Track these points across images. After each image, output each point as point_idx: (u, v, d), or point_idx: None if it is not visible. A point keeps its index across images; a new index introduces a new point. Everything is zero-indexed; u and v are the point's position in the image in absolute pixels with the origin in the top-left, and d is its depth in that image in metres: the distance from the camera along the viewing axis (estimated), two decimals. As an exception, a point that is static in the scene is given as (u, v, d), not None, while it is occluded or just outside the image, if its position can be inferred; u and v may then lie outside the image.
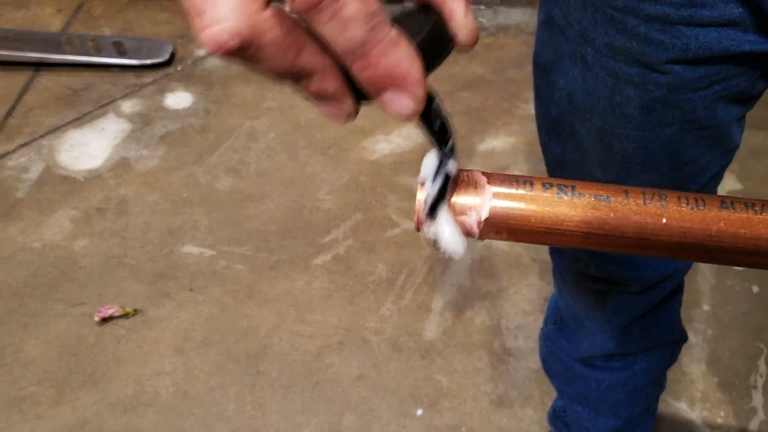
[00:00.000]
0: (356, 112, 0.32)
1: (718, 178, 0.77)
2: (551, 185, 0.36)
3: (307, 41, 0.28)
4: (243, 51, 0.27)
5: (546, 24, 0.72)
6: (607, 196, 0.36)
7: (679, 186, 0.72)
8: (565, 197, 0.36)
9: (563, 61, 0.70)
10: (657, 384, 1.14)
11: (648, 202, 0.35)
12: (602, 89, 0.66)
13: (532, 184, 0.36)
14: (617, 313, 0.95)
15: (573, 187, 0.36)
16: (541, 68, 0.75)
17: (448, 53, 0.33)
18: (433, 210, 0.36)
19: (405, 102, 0.30)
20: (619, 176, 0.72)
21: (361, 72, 0.29)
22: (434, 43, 0.32)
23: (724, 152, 0.72)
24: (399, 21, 0.31)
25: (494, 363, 1.49)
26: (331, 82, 0.30)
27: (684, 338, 1.08)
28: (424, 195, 0.36)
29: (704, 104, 0.64)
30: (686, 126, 0.66)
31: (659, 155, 0.69)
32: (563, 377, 1.16)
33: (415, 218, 0.36)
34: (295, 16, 0.28)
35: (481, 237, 0.37)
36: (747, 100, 0.67)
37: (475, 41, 0.33)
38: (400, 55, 0.29)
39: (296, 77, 0.29)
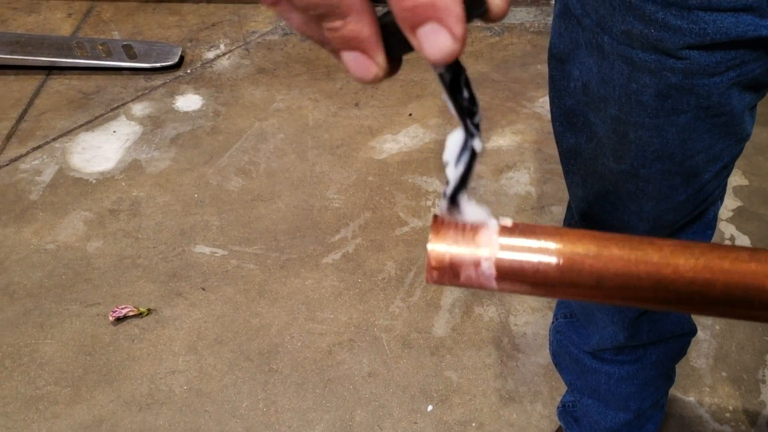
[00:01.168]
0: (384, 72, 0.30)
1: (729, 168, 0.77)
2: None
3: None
4: None
5: (562, 15, 0.73)
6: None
7: (692, 175, 0.73)
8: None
9: (579, 51, 0.71)
10: (666, 377, 1.15)
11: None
12: (618, 77, 0.67)
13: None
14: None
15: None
16: (557, 59, 0.76)
17: (484, 11, 0.30)
18: (454, 197, 0.34)
19: (444, 38, 0.28)
20: (633, 165, 0.73)
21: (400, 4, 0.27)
22: None
23: (737, 141, 0.73)
24: None
25: (503, 359, 1.51)
26: (366, 26, 0.28)
27: (693, 331, 1.09)
28: (445, 183, 0.34)
29: (719, 90, 0.64)
30: (700, 113, 0.67)
31: (673, 143, 0.70)
32: (573, 371, 1.17)
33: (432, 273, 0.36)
34: None
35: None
36: (760, 86, 0.68)
37: (506, 9, 0.30)
38: None
39: (332, 15, 0.28)
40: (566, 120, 0.79)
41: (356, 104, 2.16)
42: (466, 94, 0.32)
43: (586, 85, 0.72)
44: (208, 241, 1.73)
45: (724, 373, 1.48)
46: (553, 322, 1.21)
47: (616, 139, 0.72)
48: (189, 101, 2.18)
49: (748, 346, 1.52)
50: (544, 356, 1.50)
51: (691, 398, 1.44)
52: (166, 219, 1.79)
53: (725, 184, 0.82)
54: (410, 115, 2.11)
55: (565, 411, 1.27)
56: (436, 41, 0.27)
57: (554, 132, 0.83)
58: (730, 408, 1.43)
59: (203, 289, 1.63)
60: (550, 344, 1.22)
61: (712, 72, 0.63)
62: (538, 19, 2.49)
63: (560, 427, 1.33)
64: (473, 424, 1.40)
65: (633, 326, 0.98)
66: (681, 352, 1.11)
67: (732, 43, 0.60)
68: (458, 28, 0.27)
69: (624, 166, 0.73)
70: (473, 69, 2.28)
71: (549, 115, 2.15)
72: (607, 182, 0.78)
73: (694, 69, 0.63)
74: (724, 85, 0.64)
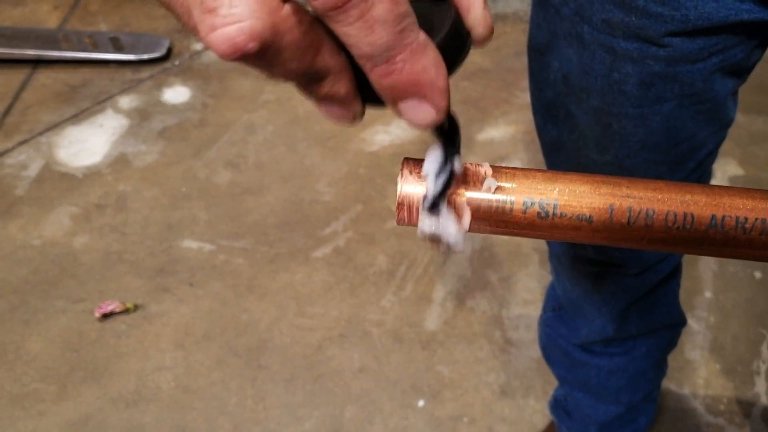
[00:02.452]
0: (362, 115, 0.29)
1: (713, 155, 0.76)
2: (532, 203, 0.34)
3: (325, 40, 0.26)
4: (260, 54, 0.24)
5: (540, 5, 0.71)
6: (590, 216, 0.34)
7: (677, 164, 0.72)
8: (546, 219, 0.34)
9: (558, 41, 0.69)
10: (658, 369, 1.13)
11: (633, 222, 0.34)
12: (600, 67, 0.66)
13: (512, 202, 0.34)
14: (615, 295, 0.95)
15: (554, 206, 0.34)
16: (536, 50, 0.74)
17: (467, 53, 0.30)
18: (435, 206, 0.33)
19: (426, 112, 0.28)
20: (617, 156, 0.71)
21: (381, 78, 0.26)
22: (455, 42, 0.29)
23: (720, 127, 0.72)
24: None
25: (495, 353, 1.49)
26: (343, 85, 0.27)
27: (683, 321, 1.07)
28: (424, 191, 0.33)
29: (702, 77, 0.64)
30: (684, 101, 0.66)
31: (657, 132, 0.69)
32: (563, 364, 1.16)
33: (402, 213, 0.34)
34: (313, 12, 0.25)
35: (470, 230, 0.36)
36: (742, 71, 0.67)
37: (490, 37, 0.30)
38: (427, 62, 0.26)
39: (308, 79, 0.27)
40: (547, 112, 0.77)
41: (347, 95, 2.13)
42: (447, 122, 0.31)
43: (567, 76, 0.70)
44: (196, 235, 1.71)
45: (718, 365, 1.46)
46: (541, 316, 1.20)
47: (599, 130, 0.71)
48: (177, 93, 2.15)
49: (743, 337, 1.51)
50: (537, 350, 1.47)
51: (686, 391, 1.42)
52: (153, 213, 1.77)
53: (710, 171, 0.81)
54: (401, 106, 2.09)
55: (557, 405, 1.26)
56: (419, 114, 0.28)
57: (535, 125, 0.81)
58: (725, 400, 1.41)
59: (191, 285, 1.60)
60: (539, 338, 1.20)
61: (694, 59, 0.62)
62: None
63: (552, 421, 1.32)
64: (465, 419, 1.39)
65: (621, 318, 0.97)
66: (671, 343, 1.09)
67: (714, 28, 0.59)
68: (442, 101, 0.27)
69: (608, 157, 0.72)
70: (466, 59, 2.25)
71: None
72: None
73: (676, 56, 0.62)
74: (707, 71, 0.63)
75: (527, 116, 2.03)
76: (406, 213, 0.34)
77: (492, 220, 0.34)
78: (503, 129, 2.00)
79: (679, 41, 0.60)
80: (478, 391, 1.43)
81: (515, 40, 2.33)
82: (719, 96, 0.67)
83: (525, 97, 2.09)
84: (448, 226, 0.34)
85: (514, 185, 0.34)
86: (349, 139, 1.98)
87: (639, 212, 0.34)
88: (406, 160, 0.35)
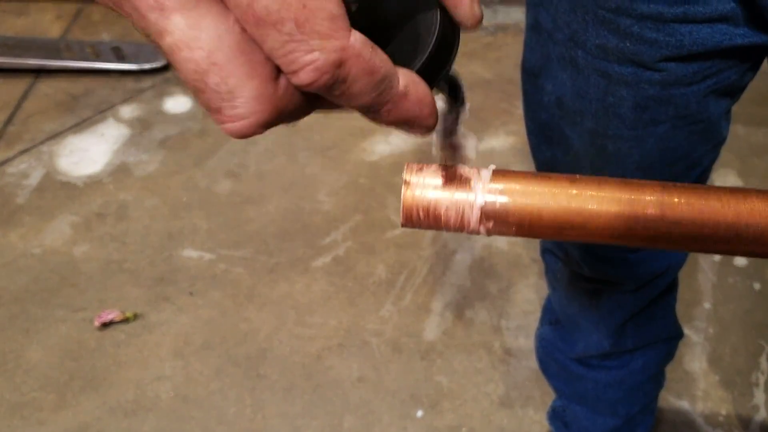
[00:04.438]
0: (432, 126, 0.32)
1: (707, 172, 0.77)
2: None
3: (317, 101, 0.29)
4: (270, 126, 0.28)
5: (534, 28, 0.71)
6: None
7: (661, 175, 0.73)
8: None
9: (551, 65, 0.70)
10: (655, 381, 1.13)
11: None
12: (594, 91, 0.66)
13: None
14: (612, 311, 0.95)
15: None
16: (529, 73, 0.75)
17: (457, 49, 0.32)
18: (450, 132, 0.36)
19: (418, 131, 0.31)
20: (611, 174, 0.72)
21: (373, 120, 0.30)
22: (443, 50, 0.31)
23: (714, 145, 0.73)
24: (402, 11, 0.30)
25: (495, 363, 1.49)
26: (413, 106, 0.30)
27: (680, 334, 1.08)
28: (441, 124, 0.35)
29: (697, 99, 0.64)
30: (678, 122, 0.66)
31: (653, 153, 0.69)
32: (560, 377, 1.16)
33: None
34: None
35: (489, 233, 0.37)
36: (736, 92, 0.67)
37: (479, 25, 0.32)
38: (409, 105, 0.29)
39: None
40: (541, 133, 0.78)
41: (347, 106, 2.14)
42: (450, 85, 0.34)
43: (560, 99, 0.71)
44: (196, 244, 1.71)
45: (717, 377, 1.46)
46: (538, 329, 1.20)
47: (594, 152, 0.71)
48: (178, 103, 2.16)
49: (742, 349, 1.51)
50: (536, 360, 1.48)
51: (684, 402, 1.42)
52: (153, 223, 1.77)
53: None
54: (402, 116, 2.09)
55: (555, 415, 1.26)
56: (412, 134, 0.31)
57: (530, 145, 0.82)
58: (723, 412, 1.41)
59: (191, 294, 1.61)
60: (536, 351, 1.21)
61: (689, 82, 0.62)
62: (531, 20, 2.48)
63: (550, 431, 1.32)
64: (464, 430, 1.38)
65: (618, 333, 0.97)
66: (669, 355, 1.10)
67: (708, 53, 0.60)
68: (430, 121, 0.30)
69: None
70: (467, 69, 2.26)
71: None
72: None
73: (671, 80, 0.62)
74: (701, 93, 0.64)
75: (527, 127, 2.04)
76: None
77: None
78: (503, 139, 2.01)
79: (674, 66, 0.61)
80: (477, 401, 1.43)
81: (516, 51, 2.33)
82: (713, 116, 0.67)
83: (525, 108, 2.11)
84: (469, 140, 0.37)
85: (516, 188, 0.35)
86: (350, 149, 1.99)
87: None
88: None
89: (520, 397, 1.43)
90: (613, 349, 1.01)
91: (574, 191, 0.36)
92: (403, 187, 0.36)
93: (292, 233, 1.75)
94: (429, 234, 1.73)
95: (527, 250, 1.70)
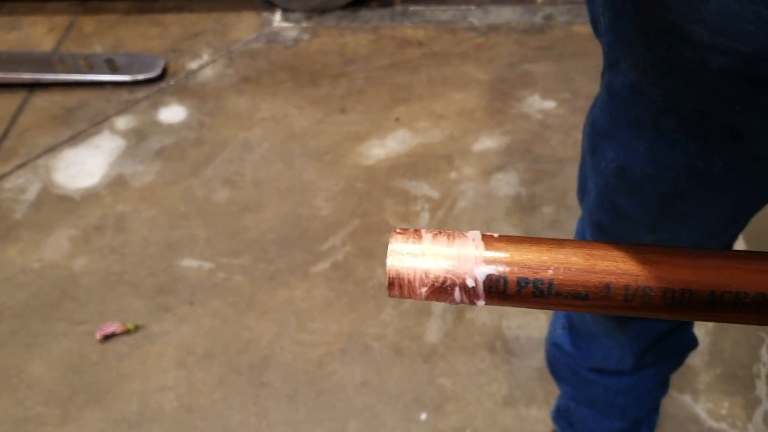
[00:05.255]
0: None
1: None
2: (527, 282, 0.34)
3: None
4: None
5: (609, 88, 0.65)
6: (586, 294, 0.34)
7: (731, 230, 0.71)
8: (540, 297, 0.34)
9: (620, 130, 0.65)
10: (664, 386, 1.13)
11: (630, 298, 0.33)
12: (680, 156, 0.61)
13: (506, 281, 0.35)
14: (639, 334, 0.93)
15: (550, 284, 0.34)
16: (596, 131, 0.70)
17: None
18: None
19: None
20: (672, 233, 0.70)
21: None
22: None
23: None
24: None
25: (497, 363, 1.49)
26: None
27: (695, 345, 1.06)
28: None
29: None
30: (763, 183, 0.64)
31: (726, 212, 0.67)
32: (570, 382, 1.14)
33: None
34: None
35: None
36: None
37: None
38: None
39: None
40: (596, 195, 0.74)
41: (342, 110, 2.14)
42: None
43: (622, 167, 0.66)
44: (195, 254, 1.71)
45: (719, 370, 1.47)
46: (550, 332, 1.17)
47: (660, 216, 0.68)
48: (173, 113, 2.16)
49: (743, 341, 1.51)
50: (538, 359, 1.48)
51: (687, 397, 1.43)
52: (151, 233, 1.77)
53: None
54: (397, 119, 2.10)
55: (559, 415, 1.26)
56: None
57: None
58: (726, 405, 1.41)
59: (191, 303, 1.61)
60: (546, 353, 1.18)
61: None
62: (524, 18, 2.48)
63: (554, 430, 1.32)
64: (468, 431, 1.39)
65: (642, 353, 0.96)
66: (681, 364, 1.09)
67: None
68: None
69: (661, 236, 0.70)
70: (460, 70, 2.27)
71: (537, 116, 2.13)
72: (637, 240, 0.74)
73: None
74: None
75: (522, 126, 2.05)
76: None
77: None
78: (498, 139, 2.01)
79: None
80: (481, 402, 1.43)
81: (508, 50, 2.34)
82: None
83: (519, 107, 2.11)
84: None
85: (506, 258, 0.34)
86: (345, 153, 1.99)
87: (636, 290, 0.33)
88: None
89: (524, 397, 1.43)
90: (635, 367, 1.00)
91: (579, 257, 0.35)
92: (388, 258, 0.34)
93: (290, 240, 1.76)
94: (427, 236, 1.74)
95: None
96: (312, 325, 1.57)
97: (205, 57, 2.38)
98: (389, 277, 0.34)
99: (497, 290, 0.34)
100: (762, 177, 0.62)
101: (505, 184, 1.87)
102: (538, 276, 0.34)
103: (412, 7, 2.53)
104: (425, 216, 1.80)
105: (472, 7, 2.50)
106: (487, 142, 2.00)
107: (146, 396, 1.45)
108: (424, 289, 0.34)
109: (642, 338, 0.95)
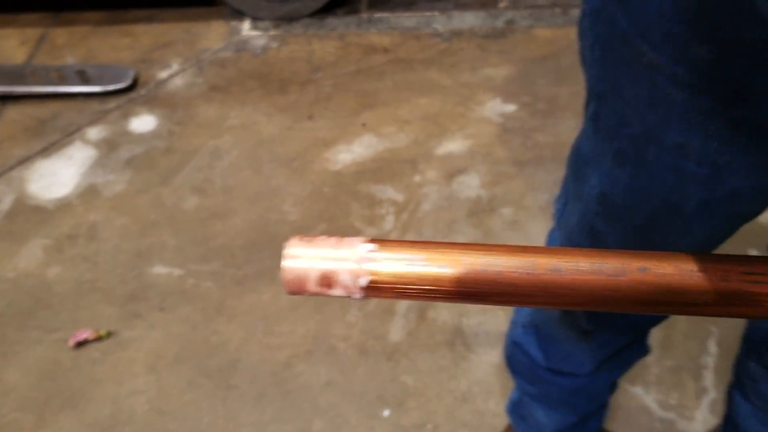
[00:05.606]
0: None
1: None
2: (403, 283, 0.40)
3: None
4: None
5: (593, 119, 0.67)
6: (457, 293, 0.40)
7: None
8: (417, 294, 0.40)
9: (604, 159, 0.67)
10: (614, 386, 1.19)
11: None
12: (658, 188, 0.63)
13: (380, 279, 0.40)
14: (601, 345, 0.97)
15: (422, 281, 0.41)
16: (579, 158, 0.73)
17: None
18: None
19: None
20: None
21: None
22: None
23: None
24: None
25: (457, 360, 1.55)
26: None
27: (648, 353, 1.09)
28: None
29: (765, 198, 0.63)
30: (737, 218, 0.66)
31: (700, 241, 0.68)
32: (525, 378, 1.17)
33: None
34: None
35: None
36: None
37: None
38: None
39: None
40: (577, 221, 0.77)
41: (310, 117, 2.19)
42: None
43: (605, 195, 0.69)
44: (166, 261, 1.76)
45: (669, 362, 1.53)
46: (511, 330, 1.19)
47: (634, 245, 0.69)
48: (143, 122, 2.20)
49: (692, 333, 1.58)
50: (496, 355, 1.55)
51: (638, 388, 1.49)
52: (123, 242, 1.82)
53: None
54: (364, 125, 2.15)
55: (512, 408, 1.31)
56: None
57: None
58: (675, 395, 1.48)
59: (161, 310, 1.66)
60: (505, 349, 1.20)
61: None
62: (486, 23, 2.54)
63: (509, 423, 1.38)
64: (429, 426, 1.45)
65: (602, 362, 1.00)
66: (631, 367, 1.14)
67: None
68: None
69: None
70: (424, 76, 2.32)
71: (498, 119, 2.19)
72: None
73: (747, 183, 0.60)
74: None
75: (483, 129, 2.11)
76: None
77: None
78: (461, 143, 2.07)
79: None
80: (441, 398, 1.49)
81: (471, 55, 2.40)
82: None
83: (481, 111, 2.17)
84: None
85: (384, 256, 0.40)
86: (313, 159, 2.04)
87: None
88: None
89: (482, 392, 1.49)
90: (591, 372, 1.04)
91: (452, 257, 0.40)
92: (282, 260, 0.40)
93: (259, 245, 1.81)
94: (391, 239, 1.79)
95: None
96: (279, 328, 1.62)
97: (175, 66, 2.42)
98: (283, 277, 0.40)
99: (373, 287, 0.40)
100: (735, 213, 0.64)
101: (467, 186, 1.93)
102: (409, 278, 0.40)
103: (377, 14, 2.59)
104: (390, 219, 1.86)
105: (436, 13, 2.56)
106: (450, 146, 2.06)
107: (118, 400, 1.50)
108: (313, 285, 0.40)
109: (604, 348, 0.98)
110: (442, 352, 1.57)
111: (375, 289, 0.40)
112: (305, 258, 0.40)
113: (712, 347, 1.55)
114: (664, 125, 0.58)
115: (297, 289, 0.40)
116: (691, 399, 1.48)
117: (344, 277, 0.39)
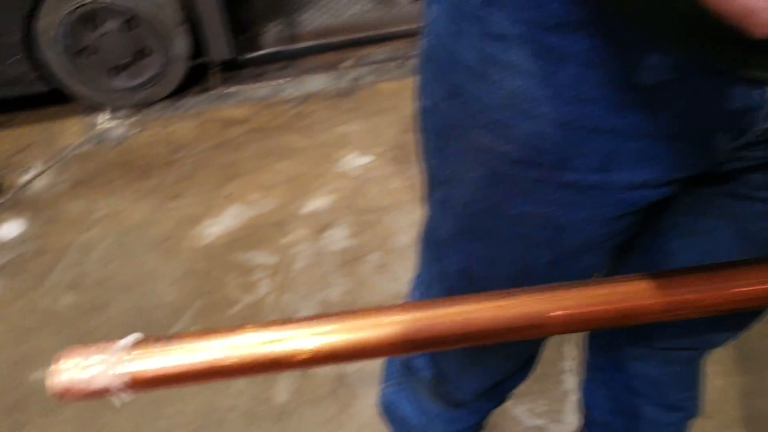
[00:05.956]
0: None
1: None
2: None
3: None
4: None
5: (442, 202, 0.72)
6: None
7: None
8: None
9: (459, 237, 0.71)
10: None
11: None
12: (509, 256, 0.68)
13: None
14: (475, 411, 1.09)
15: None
16: (433, 241, 0.78)
17: None
18: None
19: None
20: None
21: None
22: None
23: None
24: None
25: (342, 409, 1.63)
26: None
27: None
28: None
29: (603, 252, 0.69)
30: (586, 271, 0.71)
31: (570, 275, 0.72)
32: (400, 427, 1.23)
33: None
34: None
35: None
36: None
37: None
38: None
39: None
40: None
41: (175, 196, 2.25)
42: None
43: (467, 270, 0.73)
44: (45, 365, 1.77)
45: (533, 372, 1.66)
46: (383, 390, 1.23)
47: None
48: (10, 228, 2.20)
49: (552, 340, 1.71)
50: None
51: (507, 402, 1.61)
52: (-1, 353, 1.82)
53: None
54: (227, 196, 2.23)
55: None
56: None
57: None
58: (543, 402, 1.61)
59: (46, 414, 1.66)
60: (379, 405, 1.25)
61: (604, 239, 0.67)
62: (333, 84, 2.69)
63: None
64: (322, 477, 1.51)
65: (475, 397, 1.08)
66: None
67: (624, 214, 0.63)
68: None
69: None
70: (281, 141, 2.43)
71: (356, 171, 2.30)
72: None
73: (587, 239, 0.66)
74: (612, 246, 0.69)
75: (344, 183, 2.22)
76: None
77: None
78: (324, 199, 2.18)
79: (592, 226, 0.64)
80: (330, 448, 1.56)
81: (323, 116, 2.53)
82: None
83: (340, 166, 2.29)
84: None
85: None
86: (183, 237, 2.10)
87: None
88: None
89: (368, 435, 1.58)
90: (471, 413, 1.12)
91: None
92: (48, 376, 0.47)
93: (139, 331, 1.83)
94: (269, 303, 1.87)
95: (365, 300, 1.86)
96: (167, 410, 1.66)
97: (37, 168, 2.44)
98: (54, 391, 0.47)
99: (138, 384, 0.48)
100: (578, 268, 0.69)
101: (335, 239, 2.04)
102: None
103: (230, 88, 2.69)
104: (265, 283, 1.93)
105: (286, 80, 2.69)
106: (315, 204, 2.17)
107: None
108: (80, 394, 0.47)
109: (477, 414, 1.09)
110: (327, 403, 1.64)
111: (138, 384, 0.48)
112: (67, 371, 0.47)
113: (567, 351, 1.69)
114: (507, 199, 0.63)
115: (67, 399, 0.47)
116: (557, 403, 1.61)
117: (103, 381, 0.47)
